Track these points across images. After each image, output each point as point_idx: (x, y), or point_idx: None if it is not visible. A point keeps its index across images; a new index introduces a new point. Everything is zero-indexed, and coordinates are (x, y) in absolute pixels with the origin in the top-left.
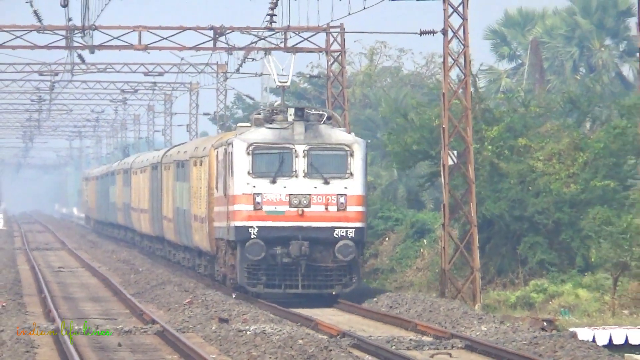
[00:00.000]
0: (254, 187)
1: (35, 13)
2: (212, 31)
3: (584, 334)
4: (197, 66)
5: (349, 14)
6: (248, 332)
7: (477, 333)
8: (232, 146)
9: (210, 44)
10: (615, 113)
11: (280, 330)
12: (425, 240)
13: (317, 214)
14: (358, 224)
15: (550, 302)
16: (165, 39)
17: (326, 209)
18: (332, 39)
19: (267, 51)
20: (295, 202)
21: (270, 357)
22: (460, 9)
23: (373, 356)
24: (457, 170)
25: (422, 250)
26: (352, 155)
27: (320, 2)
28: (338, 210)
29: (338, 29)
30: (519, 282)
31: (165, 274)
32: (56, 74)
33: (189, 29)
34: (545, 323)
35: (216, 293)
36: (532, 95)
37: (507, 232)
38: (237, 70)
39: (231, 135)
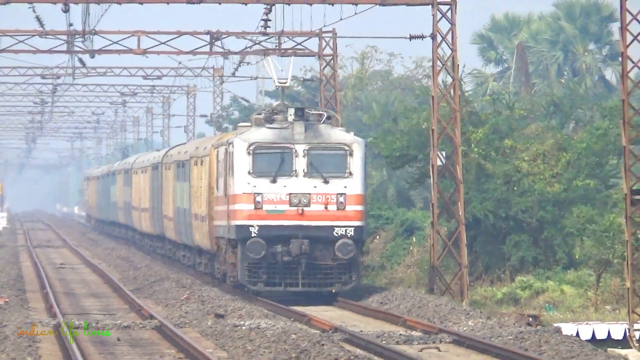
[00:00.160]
0: (255, 186)
1: (38, 18)
2: (208, 36)
3: (568, 329)
4: (194, 70)
5: (341, 19)
6: (243, 327)
7: (465, 328)
8: (232, 146)
9: (207, 49)
10: (598, 115)
11: (275, 326)
12: (414, 238)
13: (317, 213)
14: (357, 223)
15: (535, 298)
16: (163, 43)
17: (326, 208)
18: (324, 44)
19: (266, 52)
20: (296, 201)
21: (264, 351)
22: (449, 14)
23: (364, 350)
24: (446, 170)
25: (411, 248)
26: (351, 154)
27: (313, 8)
28: (338, 209)
29: (330, 34)
30: (505, 279)
31: (163, 271)
32: (58, 78)
33: (186, 34)
34: (530, 318)
35: (212, 289)
36: (516, 98)
37: (493, 230)
38: (233, 74)
39: (232, 135)
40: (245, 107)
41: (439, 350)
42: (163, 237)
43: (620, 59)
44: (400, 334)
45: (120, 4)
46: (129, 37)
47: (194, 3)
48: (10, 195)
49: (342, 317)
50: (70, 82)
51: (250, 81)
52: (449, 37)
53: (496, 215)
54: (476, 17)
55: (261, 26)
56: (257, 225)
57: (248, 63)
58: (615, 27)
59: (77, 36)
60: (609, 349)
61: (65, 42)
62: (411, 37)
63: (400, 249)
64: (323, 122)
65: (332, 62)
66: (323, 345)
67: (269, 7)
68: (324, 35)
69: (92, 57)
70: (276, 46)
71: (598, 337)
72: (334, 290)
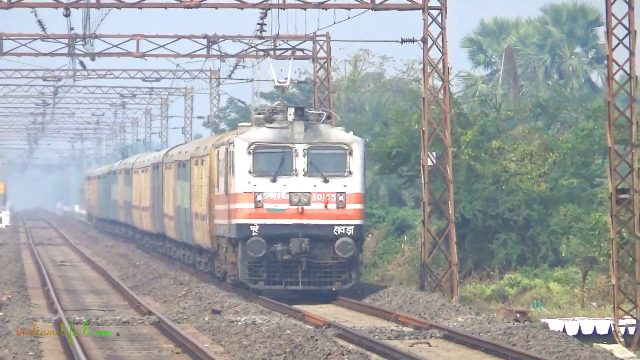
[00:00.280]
0: (255, 185)
1: (40, 22)
2: (205, 39)
3: (555, 324)
4: (192, 72)
5: (334, 23)
6: (239, 323)
7: (455, 324)
8: (233, 145)
9: (204, 52)
10: (582, 116)
11: (270, 321)
12: (405, 237)
13: (317, 211)
14: (357, 222)
15: (523, 295)
16: (162, 46)
17: (326, 206)
18: (318, 47)
19: (266, 53)
20: (296, 200)
21: (259, 346)
22: (439, 19)
23: (357, 345)
24: (436, 170)
25: (402, 246)
26: (351, 154)
27: (308, 12)
28: (337, 208)
29: (324, 38)
30: (494, 276)
31: (161, 269)
32: (59, 80)
33: (184, 37)
34: (518, 314)
35: (209, 286)
36: (503, 99)
37: (482, 228)
38: (229, 76)
39: (232, 134)
40: (241, 108)
41: (430, 345)
42: (163, 235)
43: (605, 61)
44: (392, 330)
45: (119, 8)
46: (129, 40)
47: (191, 7)
48: (13, 194)
49: (336, 313)
50: (71, 84)
51: (246, 83)
52: (439, 41)
53: (485, 214)
54: (466, 22)
55: (257, 30)
56: (258, 224)
57: (244, 66)
58: (601, 31)
59: (77, 39)
60: (594, 344)
61: (67, 45)
62: (402, 41)
63: (391, 246)
64: (323, 122)
65: (325, 64)
66: (317, 340)
67: (264, 11)
68: (318, 38)
69: (93, 59)
70: (271, 50)
71: (584, 332)
72: (334, 289)
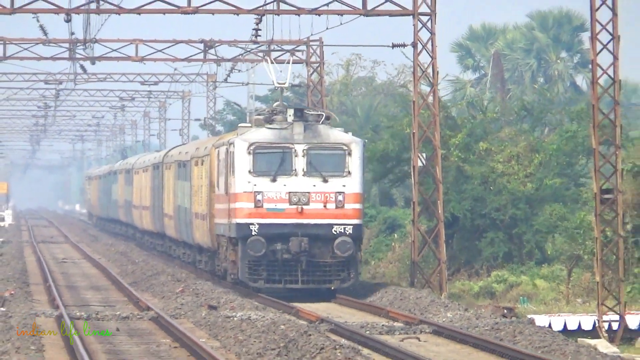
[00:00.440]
0: (255, 185)
1: (42, 27)
2: (202, 44)
3: (541, 320)
4: (189, 76)
5: (327, 28)
6: (235, 318)
7: (444, 319)
8: (233, 146)
9: (201, 56)
10: (566, 118)
11: (264, 317)
12: (396, 235)
13: (316, 211)
14: (356, 221)
15: (510, 292)
16: (160, 51)
17: (325, 206)
18: (312, 52)
19: (265, 54)
20: (295, 199)
21: (255, 341)
22: (429, 24)
23: (349, 340)
24: (426, 171)
25: (393, 244)
26: (350, 154)
27: (301, 18)
28: (336, 207)
29: (317, 43)
30: (482, 273)
31: (159, 266)
32: (60, 83)
33: (182, 42)
34: (505, 310)
35: (206, 283)
36: (490, 102)
37: (470, 227)
38: (226, 80)
39: (232, 135)
40: (237, 110)
41: (419, 340)
42: (163, 234)
43: (590, 66)
44: (383, 325)
45: (119, 14)
46: (128, 45)
47: (188, 13)
48: (16, 193)
49: (328, 309)
50: (72, 87)
51: (241, 87)
52: (429, 46)
53: (473, 213)
54: (455, 27)
55: (252, 35)
56: (258, 224)
57: (239, 70)
58: (585, 36)
59: (78, 44)
60: (579, 339)
61: (68, 49)
62: (393, 46)
63: (383, 245)
64: (322, 122)
65: (319, 69)
66: (310, 335)
67: (259, 17)
68: (311, 43)
69: (93, 63)
70: (266, 54)
71: (569, 328)
72: (333, 287)
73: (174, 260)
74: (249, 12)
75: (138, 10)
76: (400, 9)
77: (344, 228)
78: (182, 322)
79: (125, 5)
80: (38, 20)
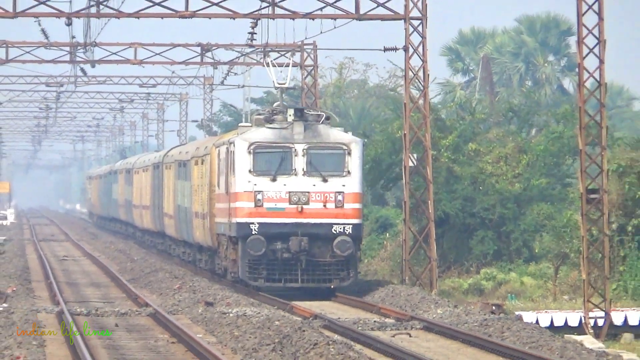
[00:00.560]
0: (255, 184)
1: (43, 31)
2: (199, 48)
3: (528, 317)
4: (186, 78)
5: (321, 32)
6: (231, 314)
7: (434, 316)
8: (234, 145)
9: (198, 59)
10: (552, 120)
11: (259, 313)
12: (388, 234)
13: (316, 210)
14: (355, 221)
15: (498, 289)
16: (158, 54)
17: (324, 206)
18: (306, 55)
19: (266, 54)
20: (295, 199)
21: (250, 337)
22: (420, 28)
23: (341, 336)
24: (417, 172)
25: (385, 243)
26: (349, 154)
27: (296, 22)
28: (336, 207)
29: (311, 46)
30: (471, 271)
31: (157, 263)
32: (61, 85)
33: (179, 45)
34: (494, 307)
35: (202, 280)
36: (478, 103)
37: (460, 226)
38: (222, 82)
39: (233, 134)
40: (233, 112)
41: (410, 336)
42: (163, 233)
43: (577, 69)
44: (375, 321)
45: (118, 18)
46: (127, 48)
47: (186, 17)
48: (18, 192)
49: (322, 306)
50: (73, 89)
51: (237, 89)
52: (420, 49)
53: (463, 212)
54: (445, 31)
55: (248, 39)
56: (258, 223)
57: (235, 73)
58: (572, 40)
59: (79, 47)
60: (565, 335)
61: (68, 52)
62: (385, 49)
63: (375, 243)
64: (322, 122)
65: (312, 72)
66: (304, 331)
67: (255, 21)
68: (305, 47)
69: (93, 66)
70: (261, 57)
71: (556, 324)
72: (332, 286)
73: (174, 258)
74: (244, 16)
75: (137, 15)
76: (392, 13)
77: (344, 227)
78: (180, 318)
79: (125, 9)
80: (40, 24)
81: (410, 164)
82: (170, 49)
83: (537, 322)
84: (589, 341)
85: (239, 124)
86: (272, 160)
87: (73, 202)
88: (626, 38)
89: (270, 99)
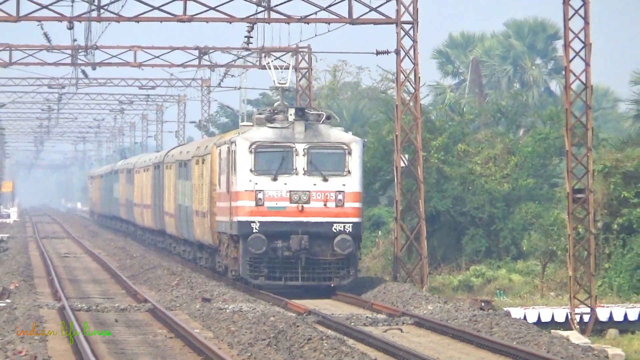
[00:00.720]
0: (256, 184)
1: (45, 35)
2: (197, 51)
3: (516, 312)
4: (185, 81)
5: (315, 35)
6: (227, 310)
7: (425, 311)
8: (235, 144)
9: (196, 62)
10: (539, 121)
11: (255, 309)
12: (380, 232)
13: (317, 209)
14: (355, 219)
15: (487, 285)
16: (157, 57)
17: (325, 205)
18: (300, 58)
19: (267, 54)
20: (296, 198)
21: (246, 332)
22: (411, 32)
23: (335, 331)
24: (408, 172)
25: (377, 240)
26: (350, 153)
27: (291, 26)
28: (336, 206)
29: (306, 50)
30: (461, 268)
31: (156, 260)
32: (63, 87)
33: (178, 49)
34: (483, 303)
35: (200, 276)
36: (466, 104)
37: (450, 224)
38: (219, 84)
39: (234, 134)
40: (230, 113)
41: (402, 331)
42: (164, 232)
43: (563, 72)
44: (367, 317)
45: (118, 22)
46: (127, 51)
47: (184, 21)
48: (21, 192)
49: (316, 302)
50: (74, 91)
51: (234, 91)
52: (411, 53)
53: (454, 211)
54: (436, 35)
55: (244, 42)
56: (259, 222)
57: (232, 75)
58: (559, 44)
59: (80, 50)
60: (552, 331)
61: (70, 55)
62: (377, 53)
63: (367, 241)
64: (322, 122)
65: (307, 74)
66: (298, 326)
67: (251, 25)
68: (300, 50)
69: (94, 69)
70: (257, 60)
71: (543, 320)
72: (332, 285)
73: (173, 256)
74: (241, 20)
75: (136, 19)
76: (384, 18)
77: (344, 226)
78: (177, 314)
79: (125, 13)
80: (42, 28)
81: (402, 164)
82: (169, 52)
83: (524, 318)
84: (575, 336)
85: (240, 124)
86: (273, 160)
87: (74, 200)
88: (612, 42)
89: (266, 101)
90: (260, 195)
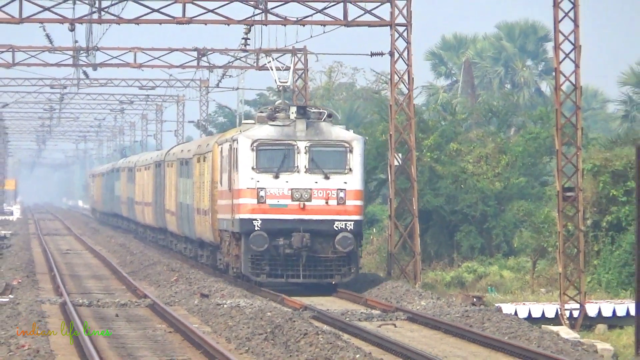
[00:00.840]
0: (258, 181)
1: (47, 36)
2: (196, 52)
3: (507, 308)
4: (183, 81)
5: (311, 37)
6: (225, 306)
7: (418, 307)
8: (237, 142)
9: (195, 63)
10: (529, 121)
11: (252, 304)
12: (374, 229)
13: (318, 207)
14: (356, 217)
15: (479, 282)
16: (157, 58)
17: (326, 202)
18: (296, 59)
19: (267, 53)
20: (297, 196)
21: (243, 327)
22: (405, 34)
23: (330, 326)
24: (402, 171)
25: (372, 237)
26: (351, 151)
27: (287, 28)
28: (338, 204)
29: (302, 51)
30: (453, 265)
31: (155, 257)
32: (64, 88)
33: (177, 50)
34: (475, 299)
35: (198, 272)
36: (458, 104)
37: (443, 222)
38: (217, 85)
39: (235, 132)
40: (228, 113)
41: (395, 326)
42: (165, 229)
43: (554, 73)
44: (362, 312)
45: (119, 24)
46: (127, 52)
47: (183, 23)
48: (23, 190)
49: (312, 298)
50: (76, 91)
51: (232, 91)
52: (405, 54)
53: (447, 209)
54: (429, 37)
55: (242, 44)
56: (260, 219)
57: (230, 76)
58: (549, 46)
59: (81, 52)
60: (542, 326)
61: (71, 56)
62: (372, 54)
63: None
64: (324, 120)
65: (303, 75)
66: (294, 321)
67: (248, 27)
68: (296, 51)
69: (95, 70)
70: (254, 61)
71: (534, 315)
72: (333, 282)
73: (173, 253)
74: (238, 22)
75: (136, 21)
76: (379, 20)
77: (345, 224)
78: (176, 309)
79: (125, 16)
80: (44, 30)
81: (396, 163)
82: (168, 53)
83: (515, 313)
84: (565, 332)
85: (242, 121)
86: (274, 158)
87: (75, 198)
88: (601, 44)
89: (263, 101)
90: (262, 193)
